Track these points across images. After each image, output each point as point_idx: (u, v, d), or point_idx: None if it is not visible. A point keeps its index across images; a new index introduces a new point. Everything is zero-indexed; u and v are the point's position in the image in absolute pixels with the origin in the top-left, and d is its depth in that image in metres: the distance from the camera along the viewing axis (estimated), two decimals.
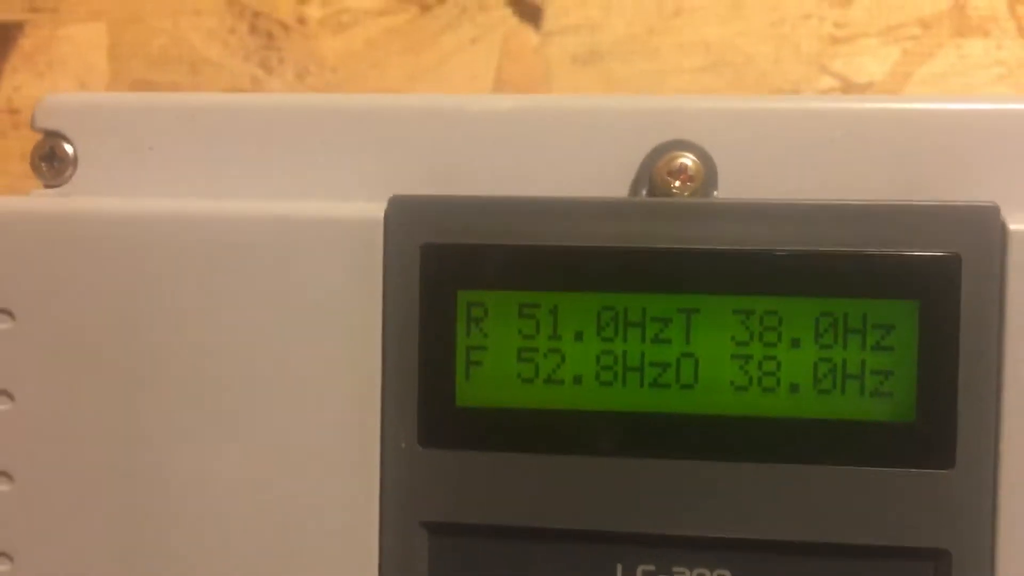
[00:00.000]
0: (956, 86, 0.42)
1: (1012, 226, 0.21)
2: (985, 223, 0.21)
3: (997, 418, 0.21)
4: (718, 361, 0.22)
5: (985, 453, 0.21)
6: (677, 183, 0.24)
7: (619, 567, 0.22)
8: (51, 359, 0.24)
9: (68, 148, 0.26)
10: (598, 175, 0.24)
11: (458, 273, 0.22)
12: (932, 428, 0.21)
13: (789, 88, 0.43)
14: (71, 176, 0.26)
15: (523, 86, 0.44)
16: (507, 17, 0.45)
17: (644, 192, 0.24)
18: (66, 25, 0.47)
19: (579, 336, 0.22)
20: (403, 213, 0.23)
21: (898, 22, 0.43)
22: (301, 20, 0.46)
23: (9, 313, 0.24)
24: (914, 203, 0.22)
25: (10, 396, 0.24)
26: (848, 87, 0.43)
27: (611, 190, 0.24)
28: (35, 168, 0.26)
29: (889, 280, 0.21)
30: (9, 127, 0.46)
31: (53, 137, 0.26)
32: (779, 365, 0.22)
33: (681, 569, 0.22)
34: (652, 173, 0.24)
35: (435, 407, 0.22)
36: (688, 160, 0.24)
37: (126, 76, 0.47)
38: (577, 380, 0.22)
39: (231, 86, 0.45)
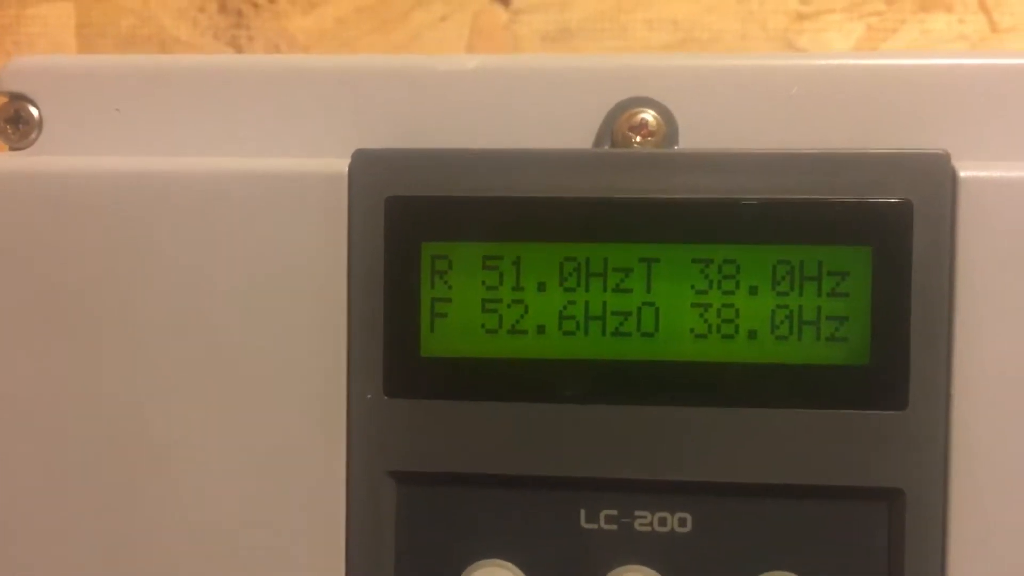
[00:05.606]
0: None
1: (962, 173, 0.22)
2: (936, 170, 0.21)
3: (948, 360, 0.22)
4: (678, 309, 0.22)
5: (937, 394, 0.22)
6: (638, 139, 0.24)
7: (582, 512, 0.23)
8: (19, 316, 0.24)
9: (33, 111, 0.26)
10: (561, 133, 0.25)
11: (422, 225, 0.23)
12: (886, 371, 0.22)
13: None
14: (36, 139, 0.26)
15: None
16: None
17: (606, 148, 0.24)
18: (34, 5, 0.47)
19: (542, 287, 0.22)
20: (367, 166, 0.23)
21: None
22: None
23: None
24: (867, 151, 0.22)
25: None
26: None
27: (574, 147, 0.25)
28: None
29: (843, 227, 0.22)
30: None
31: (18, 100, 0.26)
32: (737, 312, 0.22)
33: (643, 513, 0.23)
34: (613, 129, 0.24)
35: (400, 358, 0.23)
36: (649, 116, 0.24)
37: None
38: (540, 330, 0.23)
39: None
